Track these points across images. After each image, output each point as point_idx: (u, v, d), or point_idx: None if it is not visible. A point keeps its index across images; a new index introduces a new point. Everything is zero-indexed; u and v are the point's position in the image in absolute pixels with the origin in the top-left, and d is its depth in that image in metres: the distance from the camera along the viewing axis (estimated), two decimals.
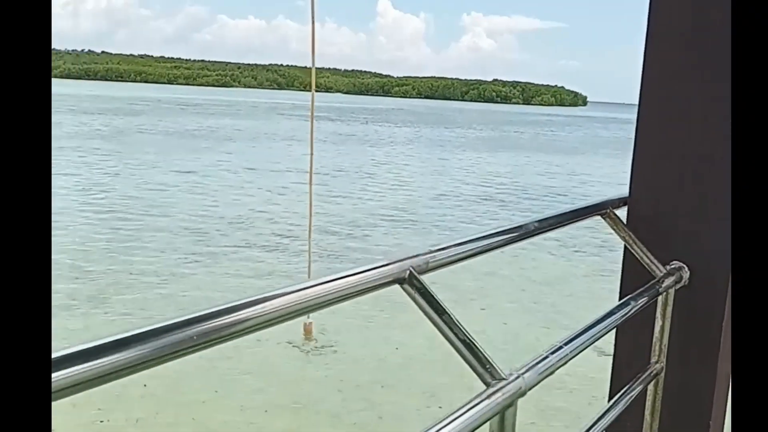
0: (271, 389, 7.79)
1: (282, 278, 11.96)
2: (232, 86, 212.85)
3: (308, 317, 9.08)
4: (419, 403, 7.58)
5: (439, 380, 8.10)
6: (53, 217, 15.48)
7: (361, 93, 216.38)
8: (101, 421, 6.80)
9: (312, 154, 8.85)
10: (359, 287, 1.34)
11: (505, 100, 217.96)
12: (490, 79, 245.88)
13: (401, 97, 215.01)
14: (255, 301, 1.16)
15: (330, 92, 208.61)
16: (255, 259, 13.07)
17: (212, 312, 1.09)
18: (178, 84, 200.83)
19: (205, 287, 11.16)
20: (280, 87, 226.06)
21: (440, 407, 7.47)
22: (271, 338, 9.13)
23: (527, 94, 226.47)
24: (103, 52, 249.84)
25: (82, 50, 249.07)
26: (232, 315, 1.12)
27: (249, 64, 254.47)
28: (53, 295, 10.17)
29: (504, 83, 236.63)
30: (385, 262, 1.41)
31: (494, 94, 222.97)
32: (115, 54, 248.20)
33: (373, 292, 1.38)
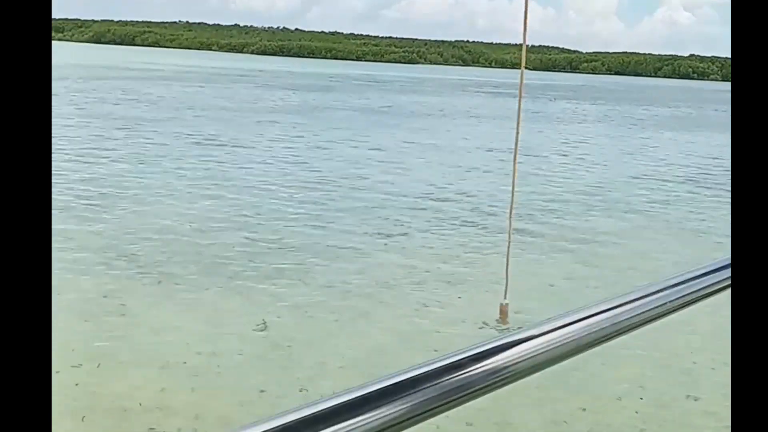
0: None
1: (476, 256, 11.89)
2: (418, 63, 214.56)
3: (505, 297, 8.96)
4: (617, 392, 7.29)
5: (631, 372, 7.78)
6: (256, 189, 16.20)
7: (547, 69, 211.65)
8: (301, 390, 6.99)
9: (518, 132, 8.68)
10: (685, 299, 1.18)
11: (702, 76, 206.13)
12: (686, 54, 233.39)
13: (589, 73, 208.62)
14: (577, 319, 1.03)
15: (516, 68, 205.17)
16: (448, 236, 13.07)
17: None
18: (365, 60, 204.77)
19: (401, 262, 11.29)
20: (465, 63, 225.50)
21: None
22: (468, 319, 9.10)
23: (727, 70, 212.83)
24: (296, 29, 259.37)
25: (277, 27, 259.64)
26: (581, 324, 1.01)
27: (435, 41, 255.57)
28: (259, 265, 10.64)
29: (701, 58, 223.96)
30: (718, 265, 1.25)
31: (690, 70, 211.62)
32: (308, 31, 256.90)
33: (702, 301, 1.22)
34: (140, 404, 6.42)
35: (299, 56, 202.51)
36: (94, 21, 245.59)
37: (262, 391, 6.79)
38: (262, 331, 8.22)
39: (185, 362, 7.30)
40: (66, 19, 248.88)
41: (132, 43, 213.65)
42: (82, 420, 6.05)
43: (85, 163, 18.17)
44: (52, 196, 11.90)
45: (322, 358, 7.69)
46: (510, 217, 9.32)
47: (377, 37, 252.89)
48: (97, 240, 11.41)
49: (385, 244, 12.32)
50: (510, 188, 9.56)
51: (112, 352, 7.44)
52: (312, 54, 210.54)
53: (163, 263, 10.42)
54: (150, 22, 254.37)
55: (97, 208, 13.47)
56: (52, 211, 12.88)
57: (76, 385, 6.70)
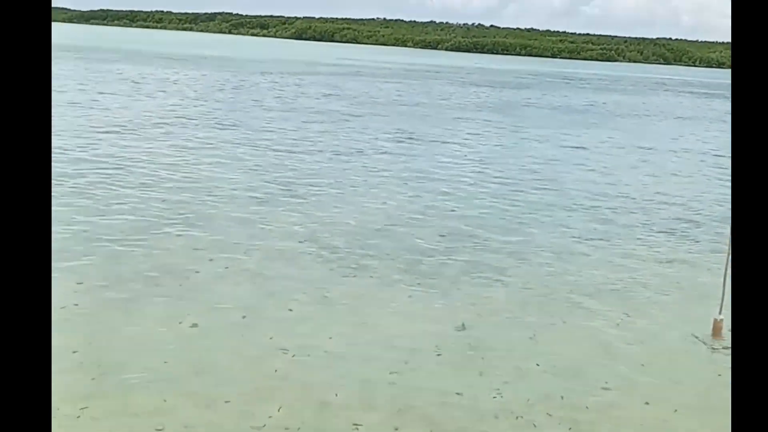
0: (676, 385, 7.25)
1: (684, 266, 11.20)
2: (616, 60, 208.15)
3: (720, 313, 8.35)
4: None
5: None
6: (453, 186, 16.15)
7: None
8: (494, 397, 6.80)
9: None
10: None
11: None
12: None
13: None
14: None
15: (722, 68, 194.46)
16: (653, 243, 12.41)
17: None
18: (561, 58, 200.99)
19: (602, 267, 10.82)
20: (666, 62, 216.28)
21: None
22: (676, 332, 8.56)
23: None
24: (491, 26, 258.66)
25: (473, 24, 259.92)
26: None
27: (635, 38, 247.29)
28: (456, 263, 10.53)
29: None
30: None
31: None
32: (503, 28, 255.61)
33: None
34: (336, 395, 6.46)
35: (493, 53, 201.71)
36: (296, 18, 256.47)
37: (458, 393, 6.65)
38: (460, 331, 8.11)
39: (384, 357, 7.30)
40: (271, 16, 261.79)
41: (331, 39, 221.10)
42: (278, 410, 6.14)
43: (288, 154, 18.87)
44: (255, 187, 12.27)
45: (519, 363, 7.46)
46: (732, 226, 8.65)
47: (574, 33, 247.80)
48: (299, 230, 11.74)
49: (586, 248, 11.86)
50: (719, 194, 8.92)
51: (312, 343, 7.56)
52: (506, 51, 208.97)
53: (362, 257, 10.54)
54: (349, 19, 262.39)
55: (298, 198, 13.90)
56: (257, 199, 13.39)
57: (275, 371, 6.83)
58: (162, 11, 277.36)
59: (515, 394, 6.73)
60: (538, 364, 7.41)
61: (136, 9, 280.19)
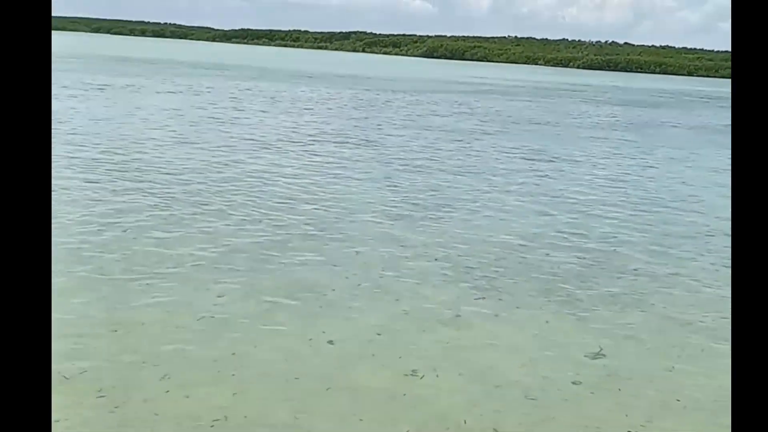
0: None
1: None
2: None
3: None
4: None
5: None
6: (585, 207, 15.77)
7: None
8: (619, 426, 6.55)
9: None
10: None
11: None
12: None
13: None
14: None
15: None
16: None
17: None
18: (697, 76, 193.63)
19: None
20: None
21: None
22: None
23: None
24: (625, 43, 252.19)
25: (605, 42, 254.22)
26: None
27: None
28: (591, 288, 10.25)
29: None
30: None
31: None
32: (637, 45, 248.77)
33: None
34: (465, 421, 6.35)
35: (626, 71, 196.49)
36: (428, 36, 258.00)
37: (598, 427, 6.44)
38: (596, 358, 7.87)
39: (517, 382, 7.17)
40: (403, 35, 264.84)
41: (462, 57, 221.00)
42: None
43: (421, 171, 18.95)
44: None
45: (659, 395, 7.15)
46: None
47: (711, 51, 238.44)
48: (433, 248, 11.73)
49: (730, 274, 11.31)
50: None
51: (443, 365, 7.51)
52: (640, 69, 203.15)
53: (495, 278, 10.41)
54: (480, 37, 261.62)
55: (432, 217, 13.91)
56: (392, 217, 13.47)
57: (404, 395, 6.78)
58: (299, 30, 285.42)
59: (659, 430, 6.46)
60: (678, 400, 7.08)
61: (275, 28, 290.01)
